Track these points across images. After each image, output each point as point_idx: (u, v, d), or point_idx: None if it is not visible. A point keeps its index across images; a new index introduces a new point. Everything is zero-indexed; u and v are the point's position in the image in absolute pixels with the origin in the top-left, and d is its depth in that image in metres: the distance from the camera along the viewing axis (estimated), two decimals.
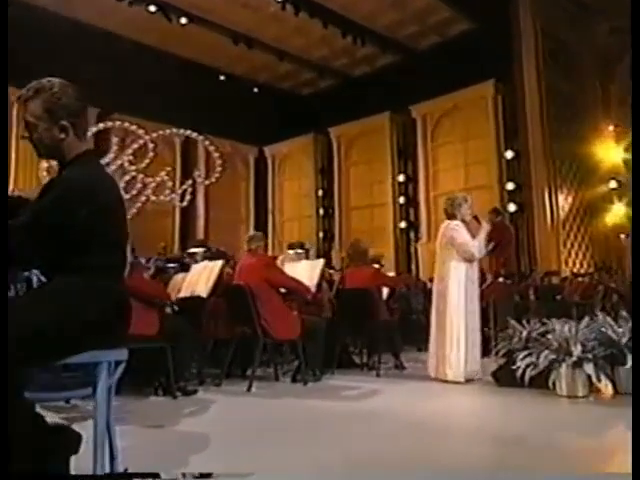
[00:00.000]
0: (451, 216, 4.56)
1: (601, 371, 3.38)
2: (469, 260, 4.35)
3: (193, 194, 13.80)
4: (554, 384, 3.54)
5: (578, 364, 3.42)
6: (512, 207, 12.37)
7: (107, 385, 1.81)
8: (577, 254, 12.72)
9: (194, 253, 6.45)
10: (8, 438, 1.49)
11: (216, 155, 13.41)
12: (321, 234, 15.77)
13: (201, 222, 15.51)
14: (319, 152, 16.09)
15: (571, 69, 13.52)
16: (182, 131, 12.93)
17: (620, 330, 3.61)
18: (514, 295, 6.29)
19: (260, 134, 15.80)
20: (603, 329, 3.63)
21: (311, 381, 4.61)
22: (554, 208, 12.31)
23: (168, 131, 12.52)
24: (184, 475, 1.99)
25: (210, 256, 5.50)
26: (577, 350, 3.39)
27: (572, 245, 12.63)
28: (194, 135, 13.12)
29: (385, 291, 5.90)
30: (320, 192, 15.94)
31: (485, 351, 5.16)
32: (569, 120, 13.19)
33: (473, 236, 4.42)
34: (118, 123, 11.46)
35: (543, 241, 12.05)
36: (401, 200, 14.24)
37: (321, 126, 15.64)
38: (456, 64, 12.98)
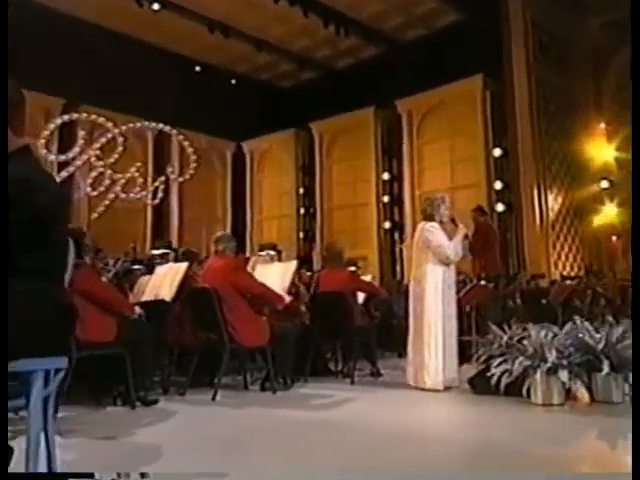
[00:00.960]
0: (429, 217, 4.61)
1: (576, 378, 3.44)
2: (446, 263, 4.40)
3: (166, 191, 13.79)
4: (528, 392, 3.60)
5: (553, 371, 3.48)
6: (500, 207, 12.52)
7: (43, 395, 1.79)
8: (567, 256, 12.91)
9: (161, 254, 6.42)
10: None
11: (190, 150, 13.41)
12: (302, 234, 15.80)
13: (174, 221, 15.45)
14: (300, 148, 16.13)
15: (562, 64, 13.72)
16: (154, 124, 12.91)
17: (597, 336, 3.68)
18: (497, 299, 6.36)
19: (238, 129, 15.78)
20: (580, 335, 3.69)
21: (281, 389, 4.61)
22: (543, 208, 12.48)
23: (139, 124, 12.49)
24: (119, 475, 1.99)
25: (176, 257, 5.48)
26: (552, 356, 3.45)
27: (562, 247, 12.81)
28: (167, 129, 13.10)
29: (361, 295, 5.93)
30: (301, 190, 15.97)
31: (467, 357, 5.22)
32: (560, 117, 13.39)
33: (450, 238, 4.47)
34: (85, 115, 11.38)
35: (532, 243, 12.21)
36: (385, 199, 14.34)
37: (302, 121, 15.66)
38: (443, 57, 13.10)
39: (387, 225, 14.28)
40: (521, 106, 12.63)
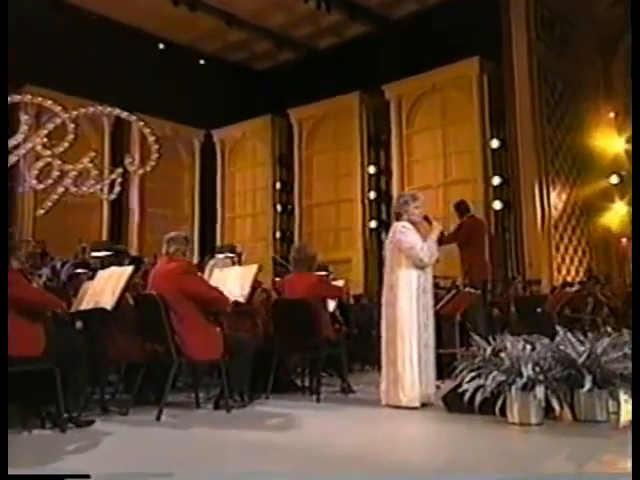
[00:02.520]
0: (398, 216, 4.65)
1: (554, 394, 3.49)
2: (420, 266, 4.44)
3: (124, 185, 13.76)
4: (502, 410, 3.64)
5: (530, 387, 3.53)
6: (498, 204, 12.65)
7: None
8: (572, 260, 13.05)
9: (102, 257, 6.41)
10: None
11: (152, 139, 13.39)
12: (278, 234, 15.84)
13: (135, 218, 15.41)
14: (277, 138, 16.17)
15: (568, 45, 13.87)
16: (111, 109, 12.86)
17: (581, 348, 3.73)
18: (483, 307, 6.43)
19: (207, 115, 15.79)
20: (562, 347, 3.75)
21: (236, 408, 4.62)
22: (546, 206, 12.62)
23: (92, 109, 12.43)
24: None
25: (120, 261, 5.48)
26: (527, 370, 3.50)
27: (566, 249, 12.95)
28: (125, 114, 13.07)
29: (332, 303, 5.97)
30: (277, 185, 16.01)
31: (451, 372, 5.26)
32: (565, 104, 13.55)
33: (425, 239, 4.51)
34: (29, 97, 11.28)
35: (533, 244, 12.34)
36: (371, 195, 14.41)
37: (279, 107, 15.71)
38: (436, 37, 13.21)
39: (373, 224, 14.33)
40: (521, 92, 12.75)
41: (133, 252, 13.69)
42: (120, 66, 13.67)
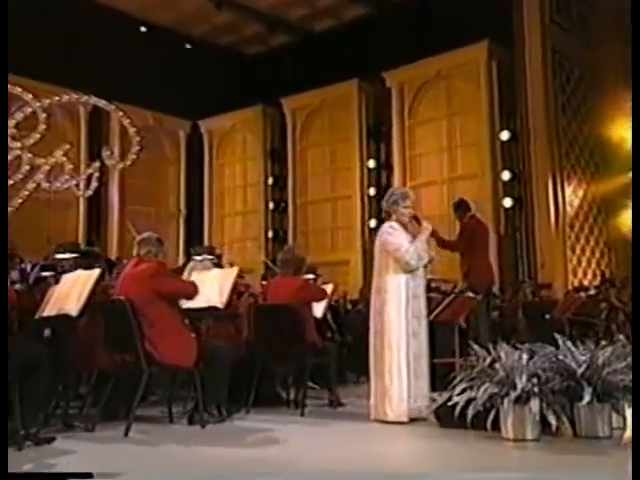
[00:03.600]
0: (388, 215, 4.69)
1: (551, 408, 3.52)
2: (408, 270, 4.47)
3: (102, 180, 13.75)
4: (495, 424, 3.67)
5: (525, 399, 3.55)
6: (508, 202, 12.66)
7: None
8: (589, 262, 13.06)
9: (70, 259, 6.44)
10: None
11: (133, 130, 13.34)
12: (270, 233, 15.86)
13: (114, 217, 15.43)
14: (269, 129, 16.20)
15: (585, 28, 13.88)
16: (87, 97, 12.85)
17: (582, 358, 3.75)
18: (485, 313, 6.46)
19: (193, 104, 15.81)
20: (561, 357, 3.77)
21: (212, 422, 4.65)
22: (560, 204, 12.64)
23: (67, 97, 12.39)
24: None
25: (86, 263, 5.49)
26: (521, 382, 3.52)
27: (582, 251, 12.96)
28: (103, 103, 13.06)
29: (320, 307, 6.00)
30: (270, 180, 16.03)
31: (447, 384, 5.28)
32: (582, 92, 13.57)
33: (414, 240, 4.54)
34: None
35: (546, 245, 12.35)
36: (371, 192, 14.42)
37: (272, 96, 15.73)
38: (441, 20, 13.24)
39: (373, 223, 14.31)
40: (534, 79, 12.77)
41: (113, 253, 13.75)
42: (98, 50, 13.69)
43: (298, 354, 5.28)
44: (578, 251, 12.86)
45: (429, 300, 6.93)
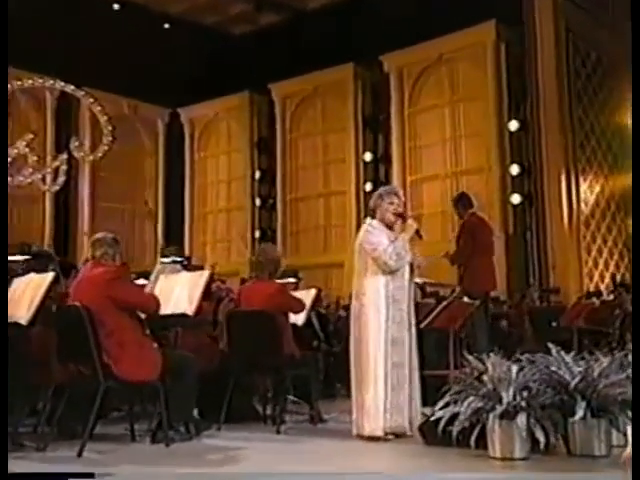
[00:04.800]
0: (373, 213, 4.73)
1: (539, 424, 3.54)
2: (388, 272, 4.50)
3: (71, 174, 13.80)
4: (480, 441, 3.69)
5: (511, 414, 3.58)
6: (517, 198, 12.70)
7: None
8: (606, 264, 13.10)
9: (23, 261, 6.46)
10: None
11: (105, 119, 13.40)
12: (257, 233, 15.90)
13: (85, 214, 15.45)
14: (256, 118, 16.23)
15: (604, 5, 13.87)
16: (53, 82, 12.88)
17: (577, 370, 3.78)
18: (485, 320, 6.50)
19: (173, 90, 15.83)
20: (554, 367, 3.79)
21: (178, 440, 4.67)
22: (574, 200, 12.67)
23: (31, 82, 12.44)
24: None
25: (39, 265, 5.52)
26: (508, 396, 3.55)
27: (599, 252, 13.00)
28: (72, 89, 13.09)
29: (301, 315, 6.02)
30: (257, 174, 16.07)
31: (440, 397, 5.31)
32: (599, 78, 13.59)
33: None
34: None
35: (558, 246, 12.38)
36: (367, 187, 14.44)
37: (259, 81, 15.75)
38: None
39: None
40: (546, 63, 12.79)
41: (83, 255, 13.75)
42: (66, 30, 13.71)
43: (274, 365, 5.30)
44: (594, 252, 12.89)
45: (421, 306, 7.00)
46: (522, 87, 12.99)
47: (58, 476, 3.39)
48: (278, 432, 5.09)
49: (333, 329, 9.05)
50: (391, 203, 4.65)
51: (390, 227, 4.65)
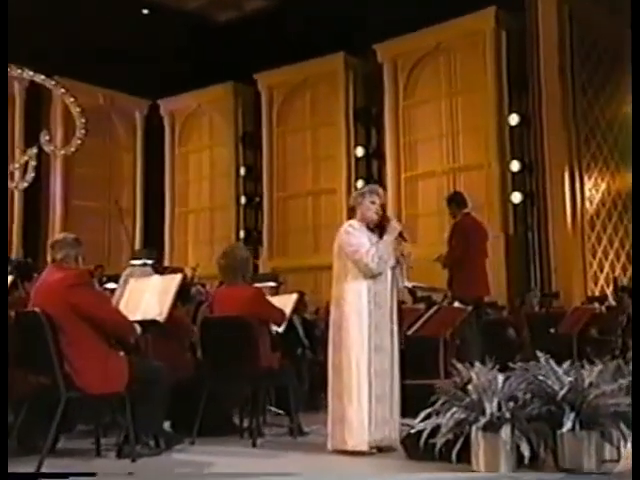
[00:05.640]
0: (353, 213, 4.76)
1: (524, 436, 3.57)
2: (369, 276, 4.52)
3: (41, 170, 13.80)
4: (462, 455, 3.72)
5: (497, 427, 3.60)
6: (517, 197, 12.74)
7: None
8: (612, 267, 13.15)
9: None
10: None
11: (77, 111, 13.43)
12: (242, 233, 15.92)
13: (57, 213, 15.43)
14: (241, 110, 16.25)
15: None
16: (21, 71, 12.88)
17: (567, 379, 3.81)
18: (476, 327, 6.53)
19: (152, 81, 15.81)
20: (542, 377, 3.82)
21: (146, 455, 4.68)
22: (578, 199, 12.72)
23: None
24: None
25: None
26: (491, 407, 3.57)
27: (605, 254, 13.05)
28: (41, 79, 13.10)
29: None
30: (242, 170, 16.09)
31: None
32: (605, 69, 13.63)
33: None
34: None
35: (561, 247, 12.42)
36: (359, 184, 14.39)
37: (244, 71, 15.75)
38: None
39: None
40: (548, 52, 12.82)
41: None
42: (35, 15, 13.61)
43: (249, 375, 5.32)
44: (600, 254, 12.94)
45: (409, 311, 7.03)
46: (523, 78, 13.02)
47: (58, 476, 3.55)
48: (254, 445, 5.12)
49: (321, 336, 9.07)
50: (373, 202, 4.67)
51: (371, 228, 4.68)
